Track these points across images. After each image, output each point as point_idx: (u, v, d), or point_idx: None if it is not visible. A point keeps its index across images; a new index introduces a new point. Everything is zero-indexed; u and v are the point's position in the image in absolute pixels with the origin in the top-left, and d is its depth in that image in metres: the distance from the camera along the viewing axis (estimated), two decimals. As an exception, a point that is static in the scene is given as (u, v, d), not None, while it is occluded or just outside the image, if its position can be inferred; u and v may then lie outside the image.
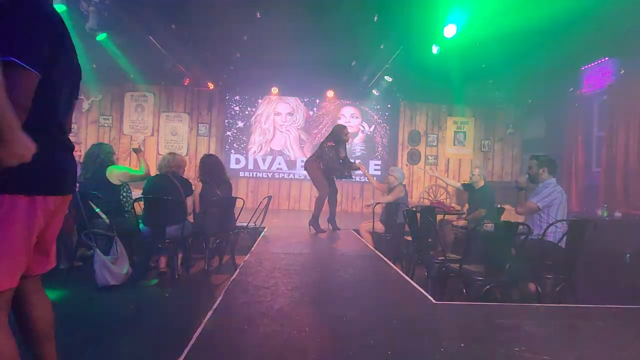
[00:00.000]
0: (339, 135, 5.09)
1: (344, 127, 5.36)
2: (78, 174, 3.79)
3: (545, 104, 7.69)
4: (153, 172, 3.75)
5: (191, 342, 1.75)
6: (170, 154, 3.71)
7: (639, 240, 4.06)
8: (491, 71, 6.90)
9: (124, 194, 3.64)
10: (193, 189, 3.78)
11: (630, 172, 5.39)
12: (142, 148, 3.87)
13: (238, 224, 4.32)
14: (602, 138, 6.09)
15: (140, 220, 3.43)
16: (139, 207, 3.72)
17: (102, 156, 3.47)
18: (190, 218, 3.77)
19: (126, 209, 3.59)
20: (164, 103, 8.28)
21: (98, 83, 7.91)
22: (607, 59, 6.13)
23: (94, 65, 6.89)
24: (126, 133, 8.17)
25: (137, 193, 3.90)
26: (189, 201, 3.57)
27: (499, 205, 5.34)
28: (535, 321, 2.08)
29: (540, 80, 7.10)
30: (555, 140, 7.23)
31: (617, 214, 5.22)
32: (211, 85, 8.00)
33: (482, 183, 4.59)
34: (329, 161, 4.91)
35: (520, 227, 2.88)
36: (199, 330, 1.87)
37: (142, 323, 2.55)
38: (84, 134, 8.09)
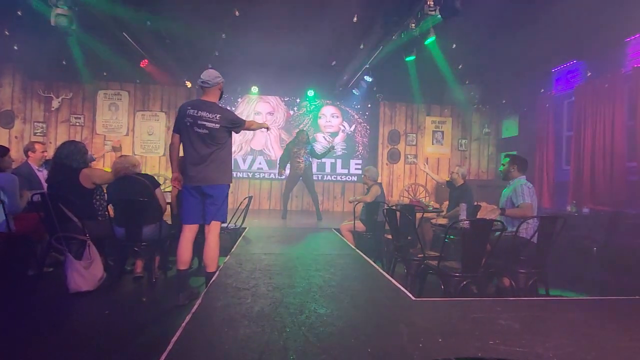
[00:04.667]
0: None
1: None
2: (47, 176, 3.63)
3: (518, 104, 7.97)
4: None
5: (169, 347, 1.71)
6: (121, 156, 3.60)
7: (605, 235, 4.26)
8: (467, 72, 7.10)
9: (98, 196, 3.50)
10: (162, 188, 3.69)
11: (597, 170, 5.66)
12: (120, 148, 3.74)
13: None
14: (571, 137, 6.37)
15: (113, 223, 3.31)
16: (112, 210, 3.59)
17: (74, 157, 3.32)
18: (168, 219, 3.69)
19: (99, 212, 3.46)
20: (139, 101, 8.05)
21: (69, 80, 7.61)
22: (575, 61, 6.42)
23: (64, 62, 6.62)
24: (99, 132, 7.89)
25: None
26: (159, 193, 3.47)
27: (475, 203, 5.50)
28: (509, 314, 2.15)
29: (513, 82, 7.36)
30: (527, 139, 7.51)
31: (585, 210, 5.47)
32: (189, 84, 7.84)
33: (461, 181, 4.71)
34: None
35: (495, 223, 2.97)
36: (177, 334, 1.83)
37: (117, 329, 2.46)
38: (54, 134, 7.77)
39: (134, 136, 7.99)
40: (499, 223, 2.95)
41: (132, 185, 3.37)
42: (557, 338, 1.84)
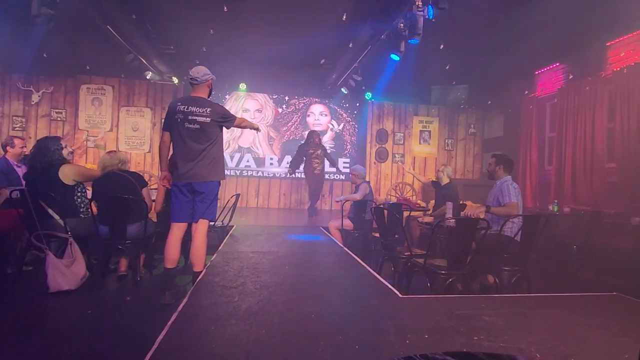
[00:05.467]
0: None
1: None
2: (24, 172, 3.52)
3: (503, 105, 8.13)
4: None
5: (154, 347, 1.68)
6: (109, 152, 3.53)
7: (585, 234, 4.39)
8: (454, 73, 7.20)
9: (79, 193, 3.41)
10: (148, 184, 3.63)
11: (577, 171, 5.82)
12: (104, 144, 3.65)
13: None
14: (553, 138, 6.53)
15: (97, 221, 3.24)
16: (95, 207, 3.51)
17: (52, 153, 3.22)
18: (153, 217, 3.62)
19: (81, 209, 3.37)
20: (124, 97, 7.88)
21: (49, 74, 7.39)
22: (558, 64, 6.58)
23: (45, 55, 6.42)
24: (82, 128, 7.68)
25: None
26: (146, 193, 3.41)
27: (461, 202, 5.59)
28: (493, 311, 2.20)
29: (498, 83, 7.50)
30: (512, 139, 7.67)
31: (566, 209, 5.62)
32: (175, 80, 7.72)
33: (447, 180, 4.77)
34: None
35: (480, 222, 3.03)
36: (163, 333, 1.81)
37: (100, 329, 2.41)
38: (34, 129, 7.53)
39: (118, 132, 7.82)
40: (484, 222, 3.00)
41: (117, 182, 3.30)
42: (539, 333, 1.89)
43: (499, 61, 6.42)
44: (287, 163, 8.27)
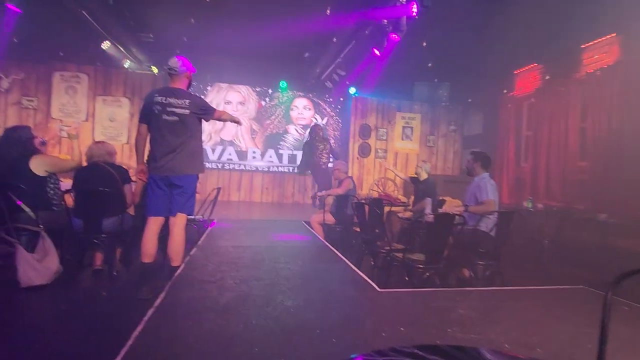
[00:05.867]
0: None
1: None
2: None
3: (483, 103, 8.31)
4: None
5: (129, 342, 1.66)
6: (98, 142, 3.42)
7: (556, 229, 4.59)
8: (436, 71, 7.29)
9: (52, 185, 3.29)
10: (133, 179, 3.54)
11: (551, 168, 6.04)
12: (77, 134, 3.50)
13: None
14: (530, 137, 6.74)
15: (72, 214, 3.14)
16: (70, 199, 3.40)
17: (22, 143, 3.09)
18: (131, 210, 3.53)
19: (54, 202, 3.25)
20: (101, 85, 7.61)
21: (20, 60, 7.04)
22: (535, 65, 6.77)
23: (15, 39, 6.11)
24: (55, 117, 7.39)
25: (66, 184, 3.56)
26: (128, 190, 3.33)
27: (440, 198, 5.71)
28: (467, 304, 2.27)
29: (479, 82, 7.66)
30: (491, 137, 7.87)
31: (540, 205, 5.83)
32: (155, 70, 7.50)
33: (425, 176, 4.85)
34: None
35: (457, 217, 3.11)
36: (139, 328, 1.79)
37: (74, 325, 2.35)
38: (2, 117, 7.18)
39: (94, 122, 7.56)
40: (460, 217, 3.08)
41: (100, 173, 3.19)
42: (509, 325, 1.97)
43: (479, 60, 6.54)
44: (294, 167, 8.26)
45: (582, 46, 5.72)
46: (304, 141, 6.78)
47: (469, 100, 8.71)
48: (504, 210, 3.30)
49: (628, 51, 5.04)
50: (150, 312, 1.97)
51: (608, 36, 5.32)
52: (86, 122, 7.49)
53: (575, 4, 4.37)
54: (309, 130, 6.84)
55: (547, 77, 6.44)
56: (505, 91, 7.45)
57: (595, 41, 5.51)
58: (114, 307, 2.73)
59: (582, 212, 5.10)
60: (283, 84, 8.25)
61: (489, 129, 8.12)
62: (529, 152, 6.63)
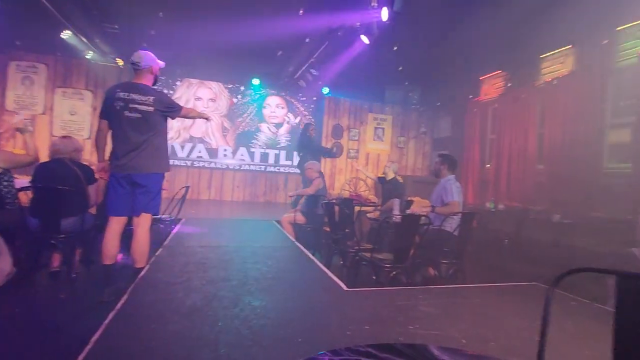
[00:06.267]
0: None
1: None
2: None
3: (451, 107, 8.62)
4: (43, 156, 3.24)
5: (87, 347, 1.60)
6: (65, 137, 3.25)
7: (516, 228, 4.85)
8: (407, 74, 7.48)
9: (5, 182, 3.08)
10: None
11: (512, 171, 6.37)
12: (30, 128, 3.29)
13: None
14: (493, 140, 7.07)
15: (27, 213, 2.96)
16: (25, 197, 3.20)
17: None
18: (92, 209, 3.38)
19: (7, 200, 3.05)
20: (60, 77, 7.20)
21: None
22: (499, 72, 7.10)
23: (-36, 24, 5.66)
24: (10, 109, 6.91)
25: (21, 181, 3.35)
26: (92, 190, 3.18)
27: (408, 198, 5.87)
28: (429, 301, 2.37)
29: (447, 87, 7.94)
30: (458, 140, 8.18)
31: (501, 206, 6.14)
32: (120, 62, 7.19)
33: (392, 175, 4.97)
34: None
35: (423, 218, 3.21)
36: (98, 333, 1.73)
37: (28, 329, 2.23)
38: (-50, 107, 6.65)
39: (52, 115, 7.14)
40: (426, 218, 3.19)
41: (62, 171, 3.02)
42: (467, 321, 2.07)
43: (447, 65, 6.78)
44: (266, 165, 8.25)
45: (541, 56, 6.07)
46: (300, 140, 6.62)
47: (438, 104, 9.00)
48: (466, 212, 3.45)
49: (581, 63, 5.40)
50: (111, 315, 1.91)
51: (564, 48, 5.68)
52: (43, 115, 7.06)
53: (535, 16, 4.63)
54: (304, 126, 6.87)
55: (510, 85, 6.78)
56: (471, 96, 7.76)
57: (553, 52, 5.86)
58: (72, 310, 2.61)
59: (539, 212, 5.42)
60: (256, 81, 8.16)
61: (456, 131, 8.43)
62: (493, 155, 6.95)
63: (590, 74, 5.14)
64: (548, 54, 5.96)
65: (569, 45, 5.59)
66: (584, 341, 1.94)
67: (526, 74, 6.35)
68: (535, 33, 5.23)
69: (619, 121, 4.97)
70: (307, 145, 6.41)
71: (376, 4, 4.13)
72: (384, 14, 4.03)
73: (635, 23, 4.66)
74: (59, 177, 3.00)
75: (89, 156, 7.22)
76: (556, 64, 5.87)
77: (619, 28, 4.84)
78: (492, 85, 7.35)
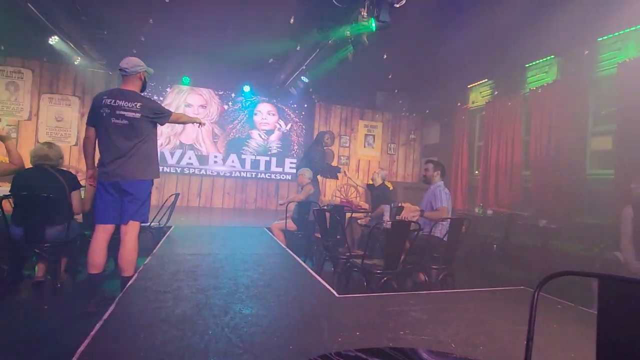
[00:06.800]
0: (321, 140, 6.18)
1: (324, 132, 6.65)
2: None
3: (440, 114, 8.76)
4: (28, 164, 3.18)
5: (73, 358, 1.57)
6: (45, 143, 3.19)
7: (504, 234, 4.93)
8: (397, 81, 7.59)
9: (-13, 190, 3.02)
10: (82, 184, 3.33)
11: (500, 177, 6.48)
12: (13, 134, 3.23)
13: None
14: (481, 147, 7.19)
15: (10, 222, 2.89)
16: (7, 206, 3.13)
17: None
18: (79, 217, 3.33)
19: (-10, 208, 2.98)
20: (46, 83, 7.10)
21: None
22: (487, 80, 7.26)
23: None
24: (-6, 115, 6.78)
25: (2, 189, 3.28)
26: (75, 197, 3.12)
27: (399, 204, 5.92)
28: (419, 307, 2.38)
29: (436, 94, 8.07)
30: (447, 146, 8.30)
31: (489, 212, 6.23)
32: (109, 69, 7.13)
33: (380, 182, 5.02)
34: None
35: (413, 224, 3.25)
36: (84, 344, 1.69)
37: (12, 342, 2.17)
38: None
39: (38, 122, 7.02)
40: (415, 224, 3.23)
41: (44, 178, 2.97)
42: (455, 326, 2.09)
43: (436, 73, 6.91)
44: (257, 172, 8.19)
45: (526, 65, 6.24)
46: (312, 149, 6.15)
47: (427, 111, 9.14)
48: (455, 217, 3.50)
49: (564, 72, 5.57)
50: (97, 325, 1.87)
51: (548, 57, 5.85)
52: (29, 122, 6.94)
53: (520, 26, 4.76)
54: (316, 136, 6.58)
55: (496, 93, 6.93)
56: (459, 104, 7.91)
57: (537, 61, 6.03)
58: (58, 321, 2.56)
59: (526, 218, 5.51)
60: (246, 88, 8.18)
61: (445, 138, 8.56)
62: (481, 161, 7.07)
63: (573, 83, 5.30)
64: (533, 63, 6.12)
65: (552, 55, 5.76)
66: (569, 344, 1.98)
67: (512, 83, 6.51)
68: (520, 43, 5.37)
69: (600, 129, 5.12)
70: (319, 162, 5.82)
71: (365, 15, 4.20)
72: (373, 24, 4.10)
73: (614, 34, 4.83)
74: (42, 184, 2.95)
75: (76, 163, 7.12)
76: (541, 73, 6.03)
77: (599, 39, 5.01)
78: (480, 93, 7.51)
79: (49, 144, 3.17)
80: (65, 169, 3.23)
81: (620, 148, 4.55)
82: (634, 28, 4.61)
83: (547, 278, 1.12)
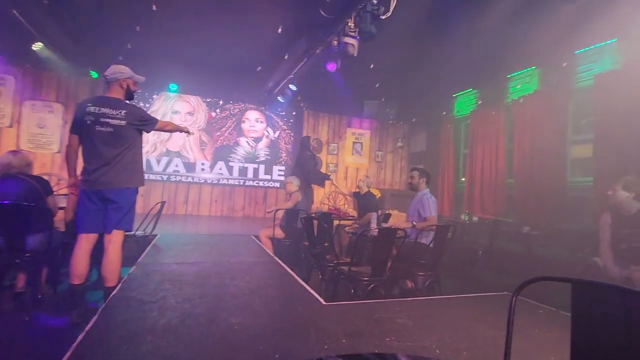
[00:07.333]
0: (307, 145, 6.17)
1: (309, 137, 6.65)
2: None
3: (426, 123, 8.91)
4: None
5: (53, 372, 1.53)
6: (13, 151, 3.13)
7: (489, 240, 5.01)
8: (384, 90, 7.71)
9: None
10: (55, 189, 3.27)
11: (485, 184, 6.61)
12: None
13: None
14: (467, 155, 7.34)
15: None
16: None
17: None
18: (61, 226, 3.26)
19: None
20: (29, 89, 6.96)
21: None
22: (471, 89, 7.44)
23: None
24: (-27, 121, 6.61)
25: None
26: (50, 201, 3.07)
27: (387, 211, 5.98)
28: (406, 313, 2.40)
29: (422, 103, 8.23)
30: (433, 154, 8.44)
31: (475, 218, 6.34)
32: (94, 74, 7.05)
33: (365, 190, 5.07)
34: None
35: (399, 232, 3.29)
36: (66, 356, 1.65)
37: (-14, 356, 2.10)
38: None
39: (19, 128, 6.87)
40: (402, 231, 3.27)
41: (18, 186, 2.91)
42: (440, 332, 2.12)
43: (423, 82, 7.04)
44: (244, 180, 8.12)
45: (508, 76, 6.43)
46: (302, 155, 6.04)
47: (414, 119, 9.29)
48: (441, 224, 3.55)
49: (545, 83, 5.76)
50: (80, 337, 1.83)
51: (529, 69, 6.04)
52: (10, 128, 6.79)
53: (503, 38, 4.92)
54: (302, 140, 6.43)
55: (480, 102, 7.10)
56: (445, 112, 8.07)
57: (519, 72, 6.22)
58: (39, 333, 2.49)
59: (510, 224, 5.63)
60: (234, 95, 8.18)
61: (431, 146, 8.70)
62: (467, 169, 7.21)
63: (554, 93, 5.48)
64: (515, 73, 6.31)
65: (533, 66, 5.96)
66: (549, 347, 2.02)
67: (495, 92, 6.69)
68: (502, 54, 5.55)
69: (580, 137, 5.30)
70: (312, 168, 5.78)
71: (353, 25, 4.28)
72: (359, 36, 4.19)
73: (590, 47, 5.04)
74: (18, 192, 2.89)
75: (59, 170, 6.97)
76: (522, 84, 6.22)
77: (577, 52, 5.21)
78: (465, 102, 7.68)
79: (14, 152, 3.11)
80: (42, 175, 3.17)
81: (598, 156, 4.71)
82: (608, 42, 4.82)
83: (523, 284, 1.16)
